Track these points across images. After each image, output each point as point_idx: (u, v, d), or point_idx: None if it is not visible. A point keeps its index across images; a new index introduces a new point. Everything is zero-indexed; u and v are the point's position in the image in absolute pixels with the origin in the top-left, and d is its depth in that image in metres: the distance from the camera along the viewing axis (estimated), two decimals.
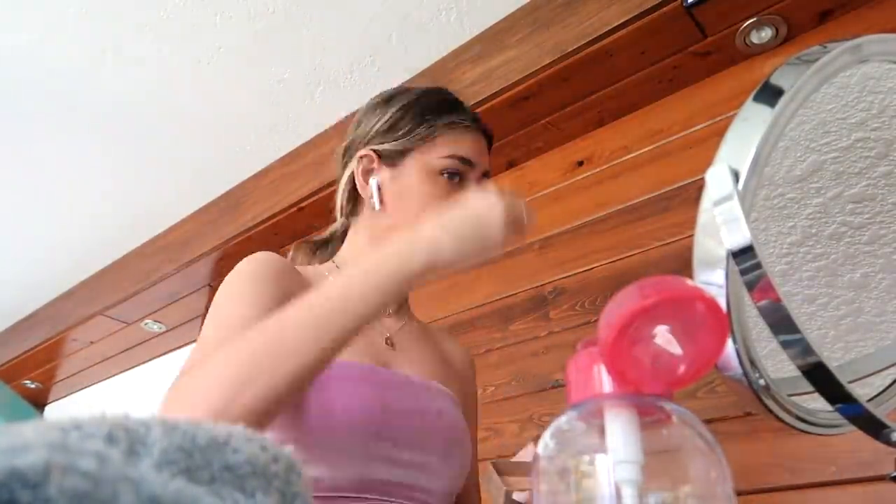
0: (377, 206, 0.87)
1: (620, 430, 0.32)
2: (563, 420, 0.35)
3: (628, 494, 0.30)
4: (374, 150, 0.88)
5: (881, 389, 0.53)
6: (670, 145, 1.44)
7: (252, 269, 0.78)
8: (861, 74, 0.49)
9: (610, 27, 1.33)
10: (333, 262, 0.91)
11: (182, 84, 1.80)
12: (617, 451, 0.31)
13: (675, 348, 0.32)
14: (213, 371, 0.60)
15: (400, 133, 0.87)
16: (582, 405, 0.34)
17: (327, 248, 0.98)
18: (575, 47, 1.38)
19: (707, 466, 0.32)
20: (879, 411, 0.43)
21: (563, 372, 1.41)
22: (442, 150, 0.86)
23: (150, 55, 1.69)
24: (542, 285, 1.54)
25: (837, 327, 0.54)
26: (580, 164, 1.60)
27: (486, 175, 0.90)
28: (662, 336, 0.32)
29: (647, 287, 0.31)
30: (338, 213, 0.95)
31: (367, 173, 0.89)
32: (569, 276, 1.50)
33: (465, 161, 0.86)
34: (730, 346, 0.42)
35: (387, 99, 0.91)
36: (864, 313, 0.54)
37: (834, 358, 0.54)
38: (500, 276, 1.63)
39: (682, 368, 0.32)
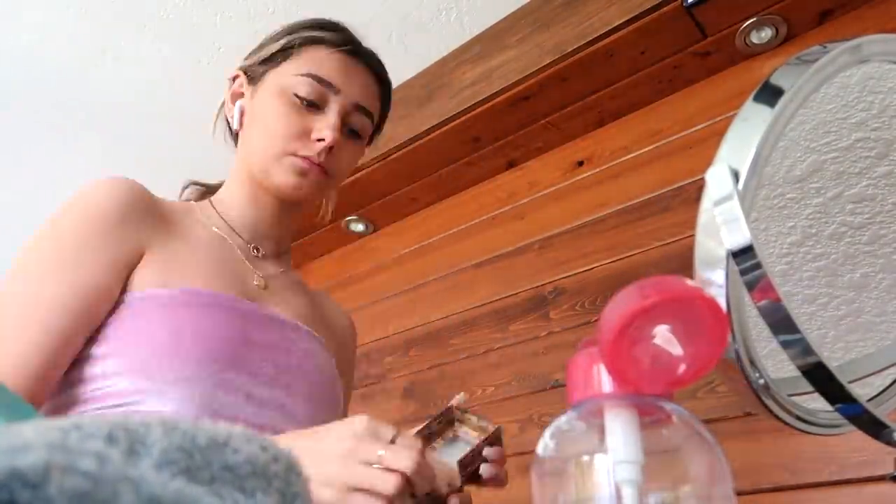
0: (235, 125, 0.82)
1: (620, 430, 0.32)
2: (562, 420, 0.35)
3: (628, 494, 0.30)
4: (243, 70, 0.83)
5: (881, 389, 0.53)
6: (670, 145, 1.44)
7: (94, 215, 0.67)
8: (861, 74, 0.49)
9: (610, 27, 1.33)
10: (210, 201, 0.84)
11: (182, 84, 1.80)
12: (617, 451, 0.31)
13: (675, 348, 0.32)
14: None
15: (264, 51, 0.81)
16: (582, 405, 0.34)
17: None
18: (575, 47, 1.38)
19: (707, 466, 0.32)
20: (879, 411, 0.43)
21: (563, 372, 1.41)
22: (298, 68, 0.76)
23: (150, 55, 1.69)
24: (542, 285, 1.54)
25: (837, 327, 0.54)
26: (580, 164, 1.60)
27: (362, 112, 0.80)
28: (662, 336, 0.32)
29: (647, 287, 0.31)
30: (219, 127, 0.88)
31: (236, 97, 0.83)
32: (569, 276, 1.50)
33: (321, 81, 0.75)
34: (730, 347, 0.42)
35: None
36: (865, 313, 0.54)
37: (834, 358, 0.54)
38: (500, 276, 1.64)
39: (682, 368, 0.32)
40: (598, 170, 1.56)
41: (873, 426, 0.43)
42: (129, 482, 0.16)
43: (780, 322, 0.40)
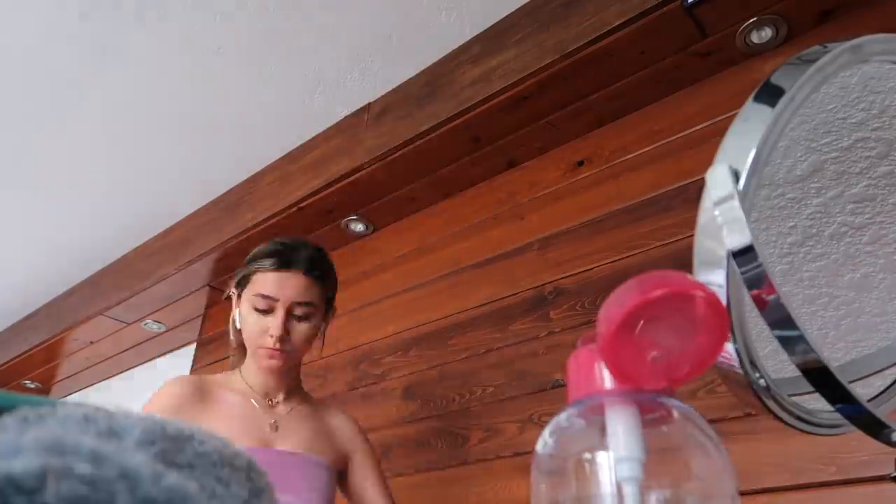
0: (239, 325, 1.17)
1: (621, 427, 0.32)
2: (563, 417, 0.35)
3: (629, 492, 0.30)
4: (235, 288, 1.21)
5: (881, 389, 0.53)
6: (670, 145, 1.44)
7: (160, 405, 1.06)
8: (862, 74, 0.49)
9: (610, 27, 1.33)
10: (239, 370, 1.21)
11: (182, 84, 1.80)
12: (618, 448, 0.31)
13: (676, 344, 0.32)
14: None
15: (236, 278, 1.19)
16: (582, 402, 0.34)
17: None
18: (575, 47, 1.38)
19: (709, 463, 0.32)
20: (880, 411, 0.43)
21: (563, 372, 1.40)
22: (253, 289, 1.13)
23: (150, 55, 1.69)
24: (542, 285, 1.54)
25: (838, 327, 0.54)
26: (580, 164, 1.60)
27: (302, 305, 1.13)
28: (663, 331, 0.32)
29: (648, 281, 0.31)
30: (231, 331, 1.22)
31: (236, 305, 1.20)
32: (569, 276, 1.49)
33: (265, 297, 1.12)
34: (730, 347, 0.42)
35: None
36: (865, 313, 0.54)
37: (834, 358, 0.53)
38: (500, 276, 1.63)
39: (682, 365, 0.32)
40: (598, 170, 1.55)
41: (873, 426, 0.43)
42: (125, 484, 0.16)
43: (781, 322, 0.40)
